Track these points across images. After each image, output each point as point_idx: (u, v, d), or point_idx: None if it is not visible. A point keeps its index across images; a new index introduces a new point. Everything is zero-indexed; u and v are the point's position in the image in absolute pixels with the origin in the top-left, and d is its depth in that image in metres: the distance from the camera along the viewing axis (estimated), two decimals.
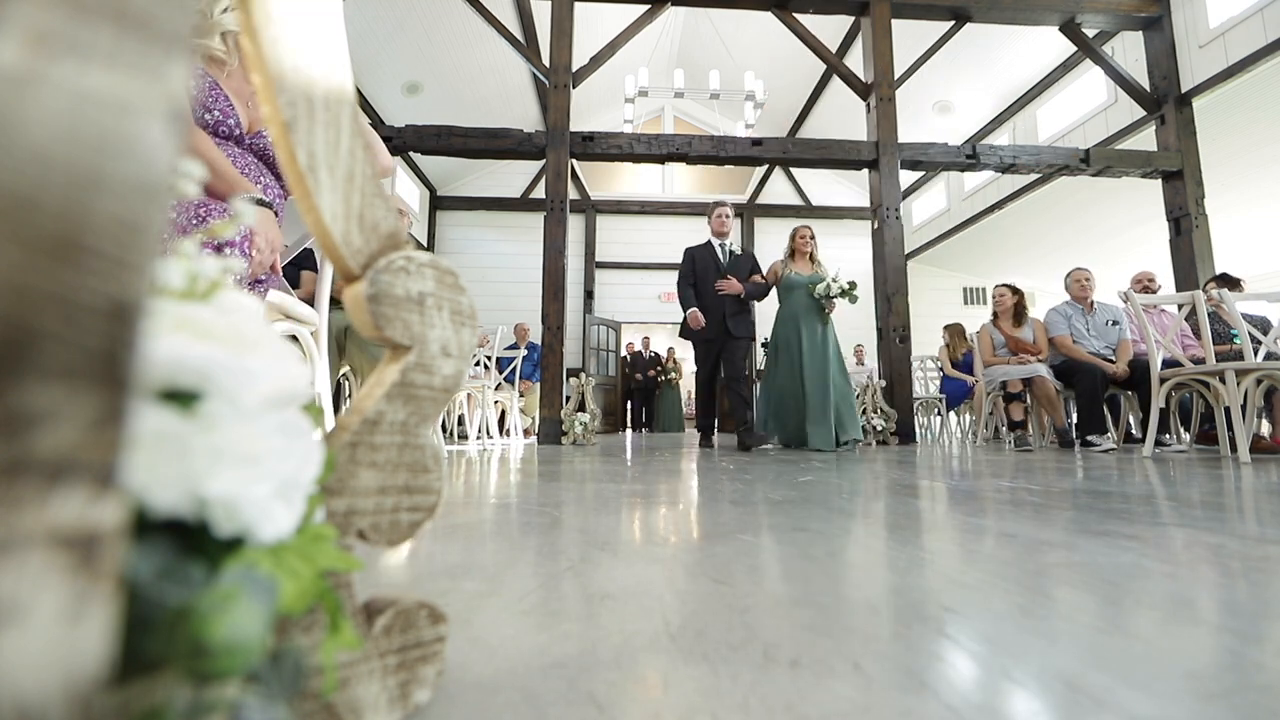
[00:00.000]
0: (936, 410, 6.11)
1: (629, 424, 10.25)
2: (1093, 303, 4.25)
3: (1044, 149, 5.27)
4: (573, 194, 8.54)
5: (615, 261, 9.88)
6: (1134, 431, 4.30)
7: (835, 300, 3.84)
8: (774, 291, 4.14)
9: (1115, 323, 4.16)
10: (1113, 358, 4.09)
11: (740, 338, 4.08)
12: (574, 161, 5.34)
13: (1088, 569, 0.72)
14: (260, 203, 1.26)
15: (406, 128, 4.98)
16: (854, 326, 9.49)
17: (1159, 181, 5.33)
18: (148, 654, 0.19)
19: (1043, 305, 8.80)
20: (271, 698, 0.23)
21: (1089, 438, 3.66)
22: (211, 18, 1.34)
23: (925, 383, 6.57)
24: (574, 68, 5.09)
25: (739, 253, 4.25)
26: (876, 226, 5.03)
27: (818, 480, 1.82)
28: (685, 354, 17.41)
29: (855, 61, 6.76)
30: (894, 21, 5.17)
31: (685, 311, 4.06)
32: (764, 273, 4.22)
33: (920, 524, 1.05)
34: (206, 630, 0.19)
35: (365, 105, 7.39)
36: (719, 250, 4.18)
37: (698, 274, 4.13)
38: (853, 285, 3.79)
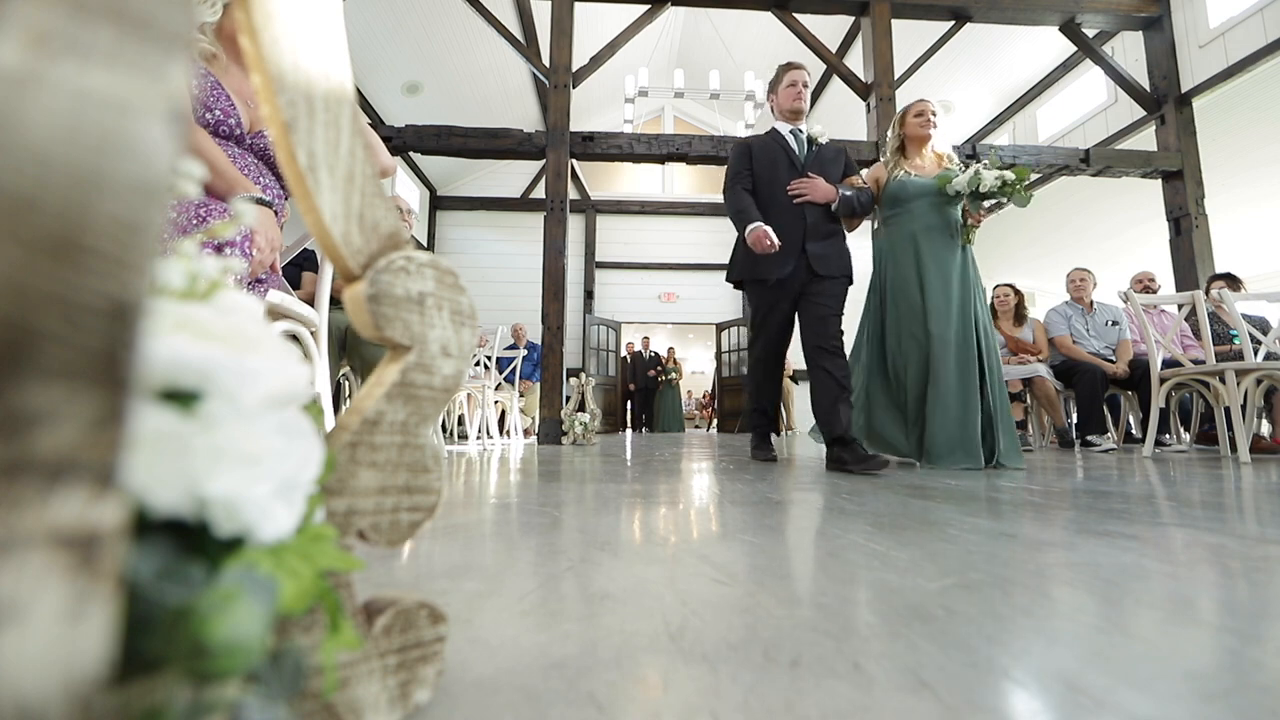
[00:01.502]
0: None
1: (629, 424, 10.25)
2: (1092, 303, 4.26)
3: (1044, 149, 5.27)
4: (573, 194, 8.55)
5: (615, 261, 9.88)
6: (1134, 431, 4.31)
7: (987, 207, 2.37)
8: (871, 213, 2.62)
9: (1115, 323, 4.17)
10: (1113, 358, 4.10)
11: (831, 278, 2.43)
12: (574, 161, 5.34)
13: (1088, 569, 0.72)
14: (260, 202, 1.26)
15: (406, 128, 4.98)
16: (853, 327, 9.49)
17: (1159, 181, 5.33)
18: (148, 654, 0.19)
19: (1043, 305, 8.80)
20: (271, 698, 0.23)
21: (1089, 438, 3.67)
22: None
23: None
24: (574, 68, 5.09)
25: (824, 142, 2.61)
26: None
27: (816, 481, 1.82)
28: (684, 353, 17.42)
29: (855, 61, 6.76)
30: (894, 21, 5.17)
31: (743, 229, 2.40)
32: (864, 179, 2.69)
33: (920, 524, 1.05)
34: (206, 630, 0.19)
35: (365, 105, 7.39)
36: (791, 140, 2.58)
37: (758, 175, 2.54)
38: (1019, 178, 2.30)
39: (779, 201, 2.48)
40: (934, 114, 2.59)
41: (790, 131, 2.60)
